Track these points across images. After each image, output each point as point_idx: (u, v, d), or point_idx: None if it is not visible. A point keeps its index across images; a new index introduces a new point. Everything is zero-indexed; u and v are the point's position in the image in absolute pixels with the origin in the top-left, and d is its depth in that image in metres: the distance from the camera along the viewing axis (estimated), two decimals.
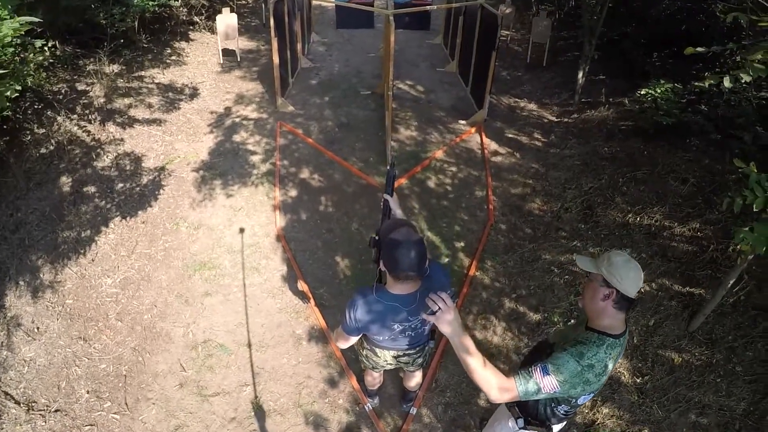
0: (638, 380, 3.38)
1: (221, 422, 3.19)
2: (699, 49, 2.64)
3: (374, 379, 3.02)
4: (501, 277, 4.26)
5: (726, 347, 3.48)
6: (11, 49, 4.07)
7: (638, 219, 4.46)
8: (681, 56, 2.75)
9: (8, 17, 3.08)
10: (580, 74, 6.24)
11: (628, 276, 1.72)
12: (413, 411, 3.21)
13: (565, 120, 6.41)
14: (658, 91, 4.92)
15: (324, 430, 3.16)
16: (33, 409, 3.21)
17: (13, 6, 3.23)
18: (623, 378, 3.40)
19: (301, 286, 4.03)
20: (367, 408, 3.22)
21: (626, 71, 6.57)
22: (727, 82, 2.57)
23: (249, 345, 3.66)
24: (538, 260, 4.36)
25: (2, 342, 3.51)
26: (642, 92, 5.14)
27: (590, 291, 1.84)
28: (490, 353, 3.62)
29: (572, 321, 3.54)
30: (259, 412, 3.24)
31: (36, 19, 3.24)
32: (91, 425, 3.18)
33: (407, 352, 2.40)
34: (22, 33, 3.34)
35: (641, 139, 5.33)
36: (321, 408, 3.27)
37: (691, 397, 3.25)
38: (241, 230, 4.64)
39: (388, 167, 2.59)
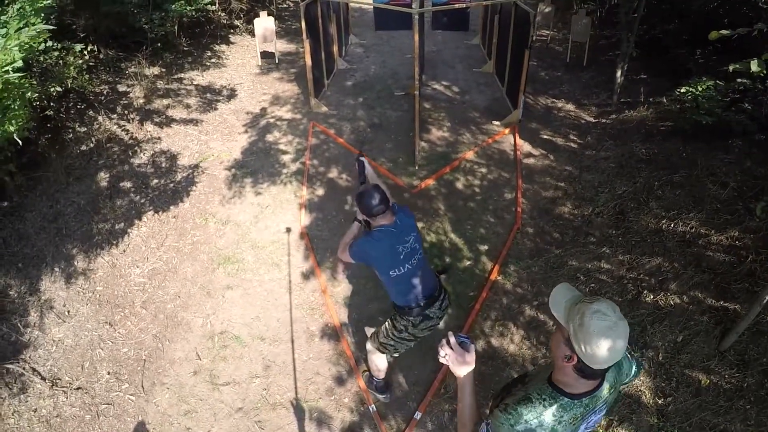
0: (660, 401, 3.13)
1: (228, 411, 3.26)
2: (723, 32, 2.42)
3: (385, 367, 3.02)
4: (524, 282, 4.12)
5: (760, 370, 3.17)
6: (56, 53, 4.35)
7: (672, 225, 4.17)
8: (726, 52, 2.51)
9: (23, 28, 3.00)
10: (619, 73, 5.95)
11: (598, 349, 1.35)
12: (418, 415, 3.15)
13: (603, 121, 6.13)
14: (699, 88, 4.58)
15: (327, 427, 3.16)
16: (57, 386, 3.42)
17: (40, 12, 3.14)
18: (644, 398, 3.16)
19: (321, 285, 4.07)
20: (371, 409, 3.20)
21: (669, 69, 6.19)
22: (754, 66, 2.31)
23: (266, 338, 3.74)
24: (563, 266, 4.18)
25: (35, 323, 3.76)
26: (682, 90, 4.79)
27: (555, 341, 1.50)
28: (505, 362, 3.51)
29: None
30: (266, 405, 3.29)
31: (48, 26, 3.15)
32: (108, 404, 3.35)
33: (430, 309, 2.66)
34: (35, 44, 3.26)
35: (680, 140, 4.99)
36: (326, 405, 3.28)
37: (717, 424, 2.97)
38: (288, 230, 4.73)
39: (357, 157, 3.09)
